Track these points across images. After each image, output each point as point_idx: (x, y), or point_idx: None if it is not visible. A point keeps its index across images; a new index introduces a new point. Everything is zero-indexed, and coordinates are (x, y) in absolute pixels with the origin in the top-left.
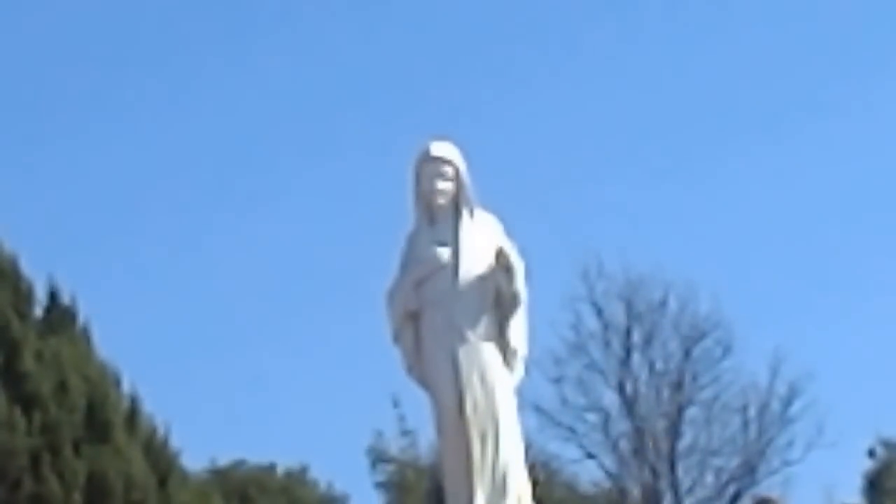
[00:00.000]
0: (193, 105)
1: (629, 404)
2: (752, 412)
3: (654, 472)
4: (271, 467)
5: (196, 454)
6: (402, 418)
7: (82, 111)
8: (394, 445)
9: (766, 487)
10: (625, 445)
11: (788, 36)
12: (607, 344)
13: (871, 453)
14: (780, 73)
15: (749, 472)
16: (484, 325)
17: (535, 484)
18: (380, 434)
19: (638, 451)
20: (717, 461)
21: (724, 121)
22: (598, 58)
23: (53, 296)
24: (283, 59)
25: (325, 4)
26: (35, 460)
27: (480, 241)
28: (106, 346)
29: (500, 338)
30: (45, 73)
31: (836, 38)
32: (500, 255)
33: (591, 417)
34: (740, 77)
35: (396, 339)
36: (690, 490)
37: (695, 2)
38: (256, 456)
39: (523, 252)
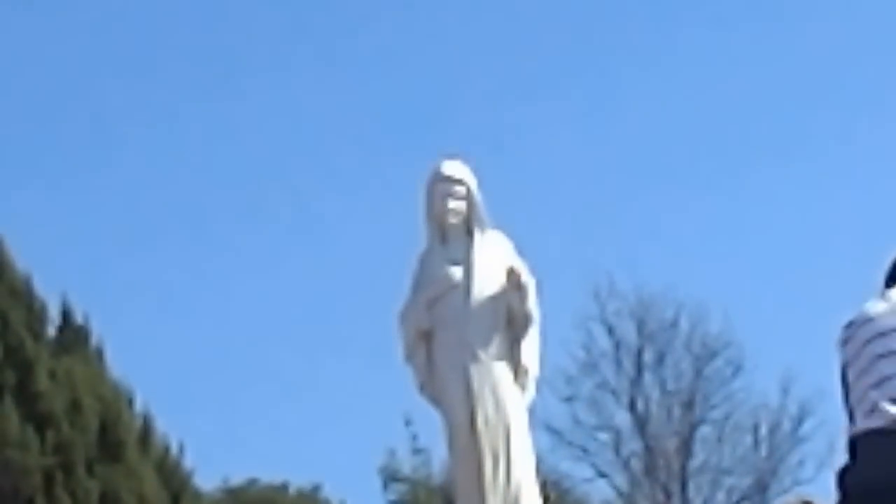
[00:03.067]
0: (208, 124)
1: (641, 423)
2: (764, 431)
3: (666, 492)
4: (284, 486)
5: (209, 473)
6: (414, 437)
7: (95, 125)
8: (406, 464)
9: (797, 494)
10: (636, 464)
11: (804, 53)
12: (619, 363)
13: None
14: (796, 96)
15: (760, 490)
16: (496, 344)
17: (546, 503)
18: (392, 453)
19: (649, 471)
20: (728, 480)
21: (737, 141)
22: (610, 73)
23: (66, 315)
24: (298, 81)
25: (345, 24)
26: (48, 479)
27: (492, 260)
28: (119, 365)
29: (512, 357)
30: (56, 89)
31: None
32: (512, 274)
33: (603, 436)
34: (756, 98)
35: (409, 357)
36: None
37: (717, 26)
38: (269, 475)
39: (535, 271)
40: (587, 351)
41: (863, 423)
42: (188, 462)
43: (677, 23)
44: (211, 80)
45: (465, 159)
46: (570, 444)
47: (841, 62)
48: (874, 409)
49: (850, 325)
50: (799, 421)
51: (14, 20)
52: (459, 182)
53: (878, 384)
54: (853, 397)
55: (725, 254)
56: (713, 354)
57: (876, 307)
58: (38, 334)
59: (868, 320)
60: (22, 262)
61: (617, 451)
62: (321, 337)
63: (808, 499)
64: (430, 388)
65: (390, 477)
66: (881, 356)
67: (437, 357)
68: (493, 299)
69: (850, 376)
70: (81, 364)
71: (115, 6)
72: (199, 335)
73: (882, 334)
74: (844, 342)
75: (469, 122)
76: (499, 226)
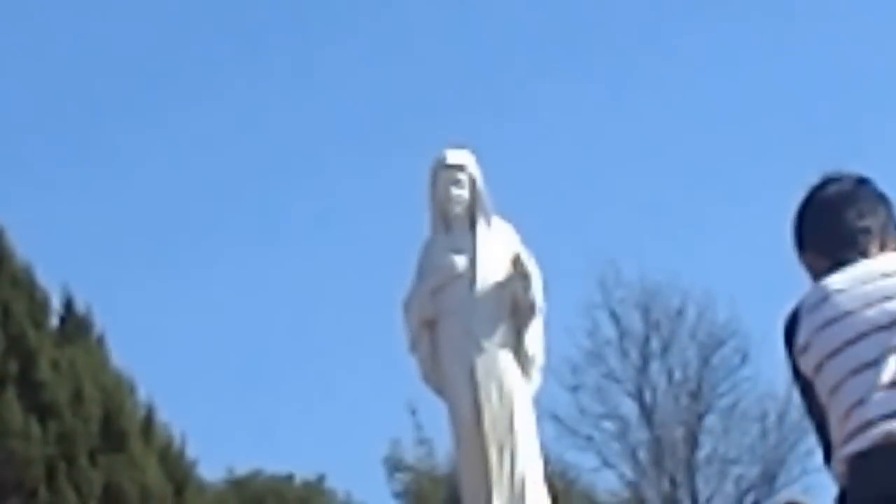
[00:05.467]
0: (212, 119)
1: (647, 413)
2: (772, 420)
3: (673, 481)
4: (289, 477)
5: (213, 463)
6: (418, 427)
7: (98, 116)
8: (410, 454)
9: (786, 495)
10: (643, 454)
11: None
12: (625, 352)
13: None
14: (805, 89)
15: (768, 480)
16: (501, 333)
17: (552, 493)
18: (396, 443)
19: (656, 460)
20: (736, 470)
21: (742, 130)
22: (617, 62)
23: (69, 305)
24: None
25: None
26: (51, 470)
27: (497, 249)
28: (121, 355)
29: (517, 346)
30: (58, 81)
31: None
32: (517, 262)
33: (609, 426)
34: (763, 88)
35: (413, 347)
36: (710, 499)
37: (730, 19)
38: (274, 465)
39: (540, 260)
40: (592, 340)
41: (856, 445)
42: (192, 452)
43: (687, 14)
44: (214, 77)
45: (470, 147)
46: (575, 433)
47: (850, 55)
48: (866, 427)
49: (804, 324)
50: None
51: (18, 16)
52: (463, 170)
53: (861, 403)
54: (834, 416)
55: (732, 242)
56: (720, 343)
57: (831, 305)
58: (40, 324)
59: (829, 322)
60: (24, 251)
61: (623, 440)
62: (325, 327)
63: (796, 499)
64: (435, 377)
65: (394, 467)
66: (855, 371)
67: (442, 346)
68: (498, 288)
69: (824, 392)
70: (84, 354)
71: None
72: (202, 325)
73: (850, 342)
74: (804, 349)
75: (473, 110)
76: (503, 214)
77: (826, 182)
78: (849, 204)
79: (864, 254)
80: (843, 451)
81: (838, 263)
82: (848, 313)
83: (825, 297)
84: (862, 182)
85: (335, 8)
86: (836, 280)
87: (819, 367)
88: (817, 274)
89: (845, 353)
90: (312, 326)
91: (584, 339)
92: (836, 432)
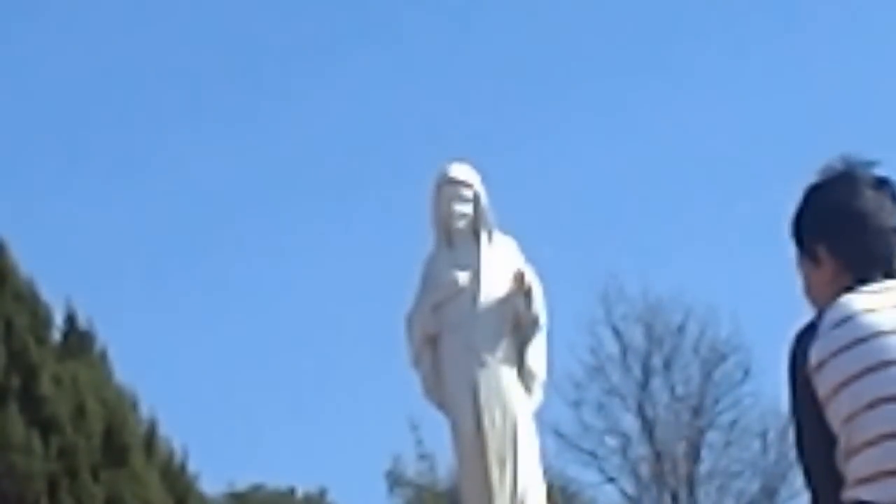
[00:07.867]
0: (215, 128)
1: (649, 428)
2: (772, 436)
3: (674, 496)
4: (290, 491)
5: (214, 478)
6: (420, 442)
7: (99, 130)
8: (411, 469)
9: None
10: (644, 469)
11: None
12: (627, 368)
13: None
14: (809, 108)
15: (769, 495)
16: (503, 348)
17: None
18: (398, 457)
19: (657, 475)
20: (737, 485)
21: (746, 146)
22: (622, 77)
23: (71, 319)
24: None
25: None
26: (53, 485)
27: (499, 264)
28: (123, 370)
29: (519, 361)
30: (62, 94)
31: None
32: (520, 278)
33: (611, 441)
34: (768, 106)
35: (415, 362)
36: None
37: (733, 39)
38: (275, 480)
39: (542, 275)
40: (594, 355)
41: (873, 494)
42: (193, 466)
43: (688, 31)
44: (217, 88)
45: (473, 162)
46: (577, 448)
47: (863, 71)
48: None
49: (821, 342)
50: None
51: (22, 26)
52: (466, 185)
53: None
54: (849, 443)
55: (734, 257)
56: (722, 358)
57: (857, 325)
58: (42, 339)
59: (853, 343)
60: (27, 266)
61: (625, 455)
62: (327, 341)
63: None
64: (437, 392)
65: (396, 481)
66: (886, 399)
67: (444, 361)
68: (500, 303)
69: (837, 420)
70: (86, 369)
71: (121, 24)
72: (204, 340)
73: (873, 369)
74: (818, 368)
75: (477, 124)
76: (506, 229)
77: (853, 178)
78: (886, 215)
79: (890, 273)
80: (857, 494)
81: (860, 281)
82: (877, 335)
83: (849, 316)
84: (889, 185)
85: (352, 23)
86: (861, 299)
87: (835, 392)
88: (830, 284)
89: (868, 380)
90: (315, 341)
91: (587, 355)
92: (845, 465)
